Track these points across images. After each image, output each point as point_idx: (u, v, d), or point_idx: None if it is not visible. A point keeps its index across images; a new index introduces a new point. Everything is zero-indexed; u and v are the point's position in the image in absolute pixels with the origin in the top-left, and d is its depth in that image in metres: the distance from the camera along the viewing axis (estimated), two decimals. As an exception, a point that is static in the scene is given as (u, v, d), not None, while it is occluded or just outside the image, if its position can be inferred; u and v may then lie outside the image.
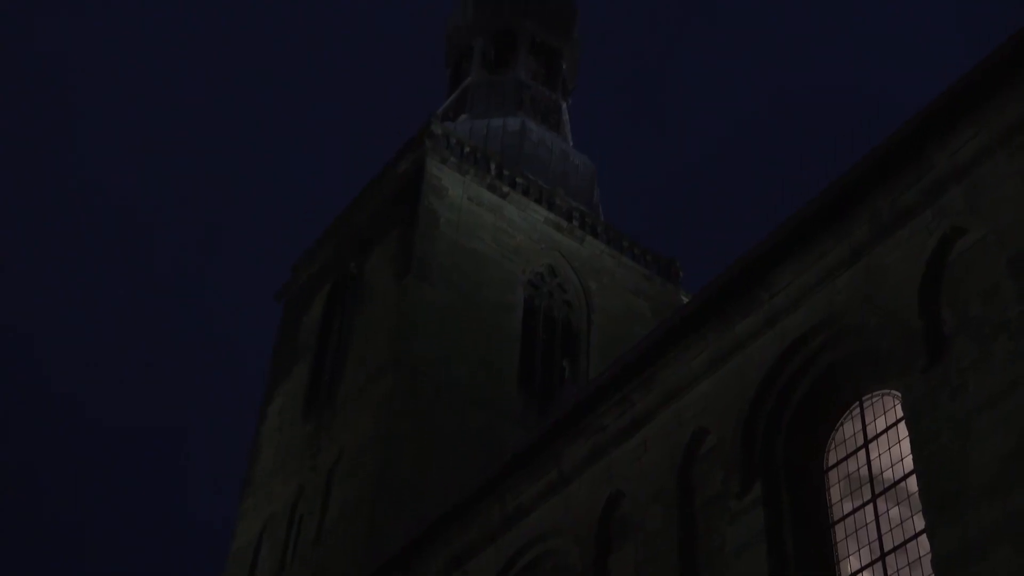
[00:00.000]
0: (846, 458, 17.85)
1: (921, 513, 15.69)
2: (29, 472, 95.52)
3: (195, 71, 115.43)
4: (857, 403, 17.97)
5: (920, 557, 15.77)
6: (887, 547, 16.45)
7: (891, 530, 16.55)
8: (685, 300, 37.76)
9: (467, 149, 38.07)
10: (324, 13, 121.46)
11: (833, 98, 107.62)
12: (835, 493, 17.83)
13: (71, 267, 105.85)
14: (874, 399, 17.73)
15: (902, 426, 16.80)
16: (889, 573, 16.25)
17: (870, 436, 17.52)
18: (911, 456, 16.28)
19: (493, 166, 38.25)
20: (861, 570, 16.76)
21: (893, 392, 17.21)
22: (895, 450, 16.98)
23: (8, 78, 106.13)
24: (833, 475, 17.99)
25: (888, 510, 16.79)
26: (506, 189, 37.78)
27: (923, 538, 15.68)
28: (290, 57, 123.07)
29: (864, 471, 17.42)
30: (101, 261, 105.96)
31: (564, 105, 46.96)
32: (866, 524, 17.01)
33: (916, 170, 17.24)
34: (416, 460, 30.95)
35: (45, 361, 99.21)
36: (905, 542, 16.19)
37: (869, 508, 17.05)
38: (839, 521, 17.50)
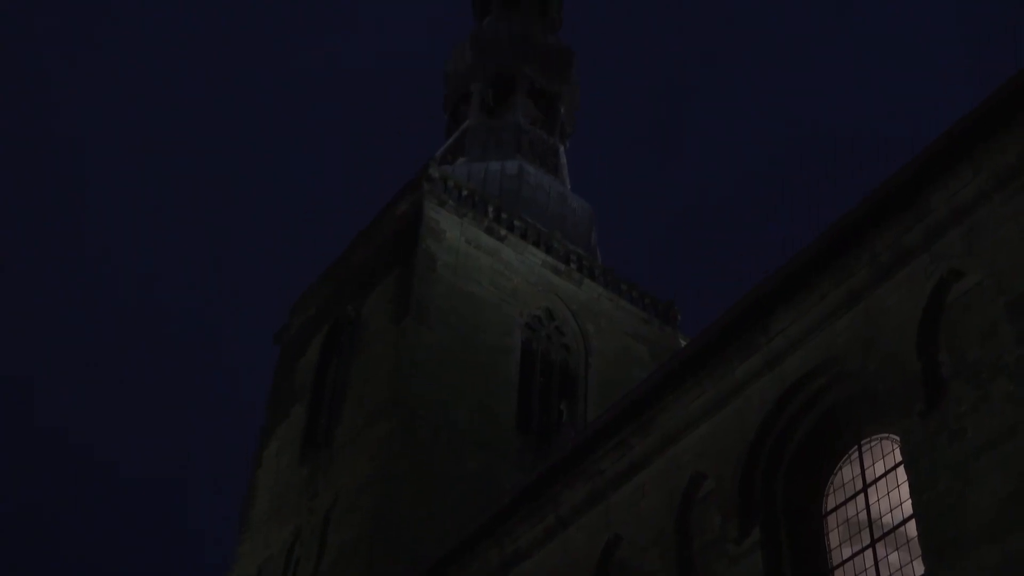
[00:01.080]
0: (845, 502, 17.79)
1: (921, 558, 15.61)
2: (25, 514, 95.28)
3: (197, 141, 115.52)
4: (856, 447, 17.93)
5: (920, 602, 15.70)
6: (887, 592, 16.38)
7: (891, 575, 16.47)
8: (683, 343, 37.72)
9: (465, 192, 38.13)
10: (324, 55, 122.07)
11: (832, 140, 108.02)
12: (834, 538, 17.76)
13: (65, 307, 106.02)
14: (873, 443, 17.69)
15: (901, 470, 16.75)
16: (889, 618, 16.17)
17: (869, 480, 17.47)
18: (910, 500, 16.23)
19: (491, 209, 38.30)
20: (861, 615, 16.68)
21: (892, 436, 17.16)
22: (894, 494, 16.92)
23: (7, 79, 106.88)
24: (832, 519, 17.92)
25: (888, 555, 16.70)
26: (504, 232, 37.82)
27: (923, 583, 15.61)
28: (289, 103, 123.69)
29: (863, 515, 17.36)
30: (98, 304, 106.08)
31: (562, 148, 47.10)
32: (865, 569, 16.93)
33: (914, 213, 17.28)
34: (413, 502, 30.80)
35: (40, 401, 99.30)
36: (905, 587, 16.12)
37: (868, 553, 16.97)
38: (839, 566, 17.41)
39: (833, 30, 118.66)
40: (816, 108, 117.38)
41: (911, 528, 16.21)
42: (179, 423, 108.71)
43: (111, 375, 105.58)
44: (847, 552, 17.41)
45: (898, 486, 16.87)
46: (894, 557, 16.56)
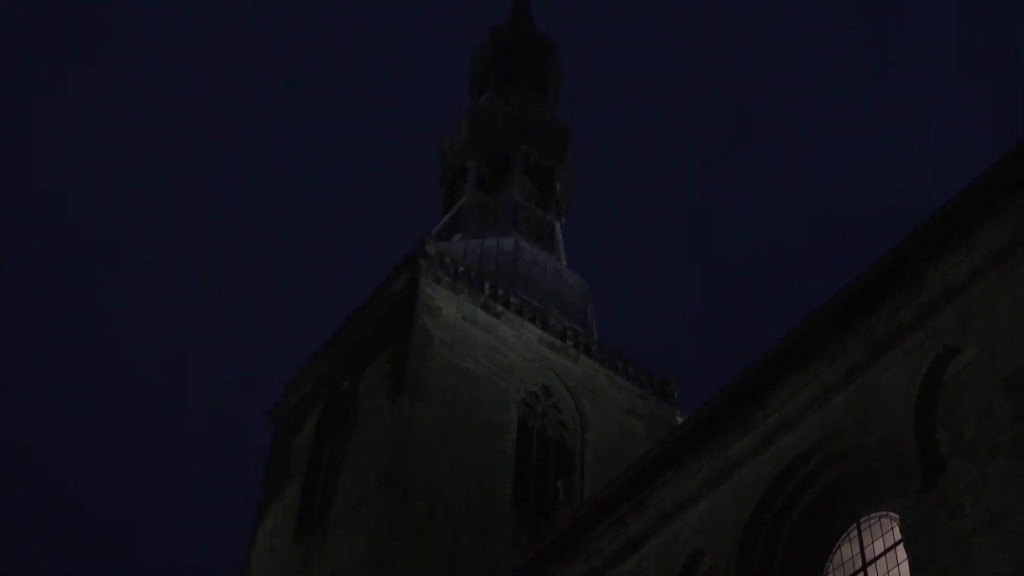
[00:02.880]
0: (846, 581, 17.67)
1: (922, 638, 15.48)
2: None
3: (196, 220, 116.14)
4: (855, 525, 17.83)
5: None
6: (888, 673, 16.21)
7: (892, 654, 16.33)
8: (680, 420, 37.60)
9: (461, 269, 38.21)
10: (320, 135, 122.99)
11: (831, 218, 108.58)
12: (835, 616, 17.62)
13: (60, 375, 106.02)
14: (872, 521, 17.60)
15: (900, 548, 16.64)
16: None
17: (869, 558, 17.35)
18: (911, 579, 16.11)
19: (487, 285, 38.36)
20: None
21: (891, 514, 17.08)
22: (894, 573, 16.80)
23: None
24: (832, 599, 17.79)
25: (889, 633, 16.57)
26: (500, 308, 37.84)
27: (924, 663, 15.45)
28: (287, 182, 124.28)
29: (864, 594, 17.23)
30: (91, 374, 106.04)
31: (558, 225, 47.28)
32: (867, 648, 16.78)
33: (908, 290, 17.34)
34: (409, 582, 30.54)
35: (49, 469, 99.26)
36: (906, 667, 15.96)
37: (869, 631, 16.83)
38: (839, 645, 17.26)
39: (840, 93, 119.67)
40: (820, 184, 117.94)
41: (912, 607, 16.08)
42: (173, 500, 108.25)
43: (103, 446, 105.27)
44: (848, 631, 17.26)
45: (898, 564, 16.76)
46: (895, 636, 16.42)
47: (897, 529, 16.80)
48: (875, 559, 17.22)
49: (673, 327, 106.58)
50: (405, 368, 34.50)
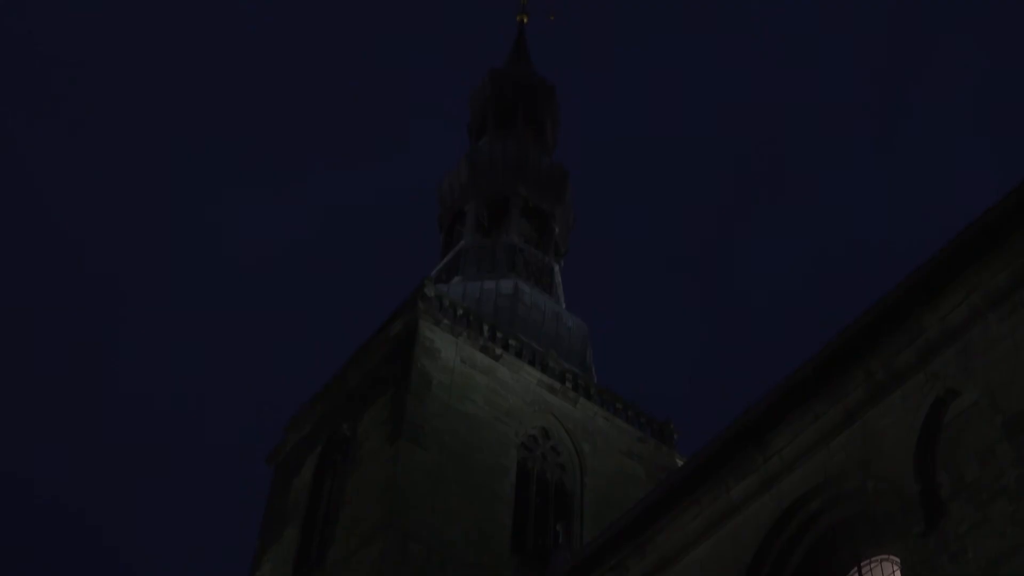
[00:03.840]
0: (847, 624, 17.55)
1: None
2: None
3: (196, 271, 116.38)
4: (856, 568, 17.73)
5: None
6: None
7: None
8: (680, 462, 37.49)
9: (460, 311, 38.20)
10: (319, 179, 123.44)
11: (835, 260, 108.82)
12: (837, 661, 17.49)
13: (55, 419, 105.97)
14: (873, 564, 17.50)
15: (902, 591, 16.56)
16: None
17: (870, 602, 17.25)
18: (912, 622, 16.01)
19: (486, 328, 38.33)
20: None
21: (892, 557, 16.99)
22: (896, 617, 16.71)
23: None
24: (834, 642, 17.67)
25: None
26: (499, 351, 37.80)
27: None
28: (286, 230, 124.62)
29: (866, 638, 17.11)
30: (98, 426, 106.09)
31: (556, 267, 47.33)
32: None
33: (907, 333, 17.32)
34: (407, 627, 30.34)
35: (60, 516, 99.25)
36: None
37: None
38: None
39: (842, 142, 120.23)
40: (823, 225, 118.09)
41: (914, 652, 15.96)
42: (172, 540, 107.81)
43: (109, 485, 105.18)
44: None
45: (900, 608, 16.67)
46: None
47: (899, 572, 16.71)
48: (877, 603, 17.13)
49: (673, 369, 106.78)
50: (404, 411, 34.42)
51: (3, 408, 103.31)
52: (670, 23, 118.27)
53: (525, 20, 59.04)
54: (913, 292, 17.30)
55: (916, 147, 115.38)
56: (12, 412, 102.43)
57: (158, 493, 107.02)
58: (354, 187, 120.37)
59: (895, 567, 16.91)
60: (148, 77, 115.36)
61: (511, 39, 58.21)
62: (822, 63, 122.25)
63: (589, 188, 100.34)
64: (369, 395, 37.10)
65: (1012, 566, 14.65)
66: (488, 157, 49.48)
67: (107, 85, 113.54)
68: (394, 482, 33.10)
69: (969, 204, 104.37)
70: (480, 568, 32.64)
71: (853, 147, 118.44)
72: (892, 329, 17.48)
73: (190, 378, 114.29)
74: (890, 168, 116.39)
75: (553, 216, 48.76)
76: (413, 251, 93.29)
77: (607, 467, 38.39)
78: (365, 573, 31.81)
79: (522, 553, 34.48)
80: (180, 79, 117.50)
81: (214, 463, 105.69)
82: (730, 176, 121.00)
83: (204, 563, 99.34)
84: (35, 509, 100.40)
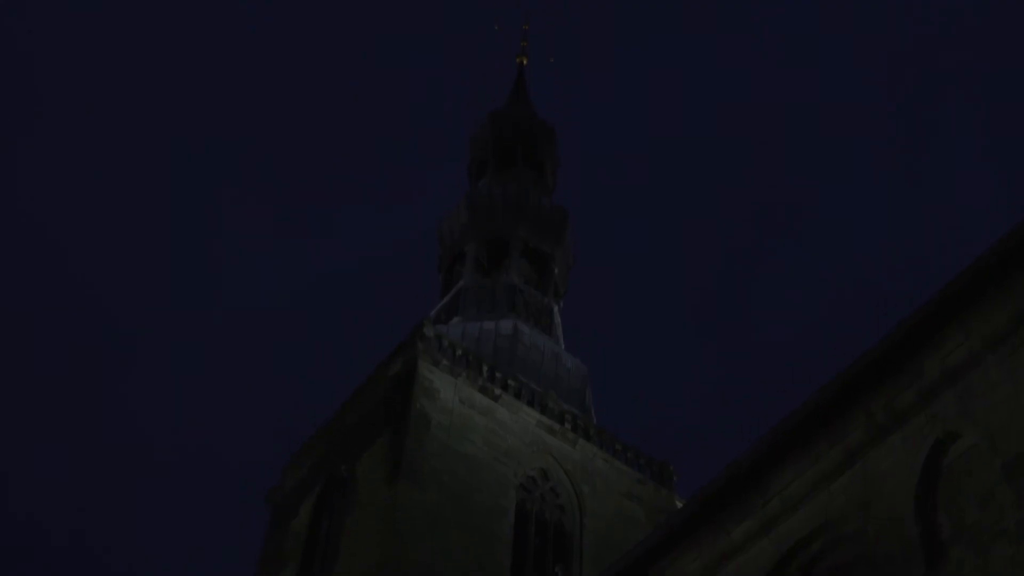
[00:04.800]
0: (847, 669, 17.43)
1: None
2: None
3: (198, 307, 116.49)
4: (856, 611, 17.64)
5: None
6: None
7: None
8: (679, 504, 37.36)
9: (459, 352, 38.19)
10: (315, 218, 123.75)
11: (835, 303, 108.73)
12: None
13: (55, 419, 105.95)
14: (873, 607, 17.40)
15: (903, 636, 16.45)
16: None
17: (871, 646, 17.13)
18: (913, 667, 15.91)
19: (485, 369, 38.31)
20: None
21: (893, 600, 16.90)
22: (896, 660, 16.59)
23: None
24: None
25: None
26: (498, 392, 37.77)
27: None
28: (285, 274, 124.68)
29: None
30: (85, 419, 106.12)
31: (556, 308, 47.35)
32: None
33: (908, 375, 17.32)
34: (405, 670, 30.16)
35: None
36: None
37: None
38: None
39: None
40: (823, 268, 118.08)
41: None
42: (173, 544, 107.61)
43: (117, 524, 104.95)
44: None
45: (901, 652, 16.55)
46: None
47: (900, 616, 16.62)
48: (877, 647, 17.00)
49: (672, 410, 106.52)
50: (402, 452, 34.35)
51: (3, 408, 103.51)
52: (670, 23, 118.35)
53: (524, 62, 59.42)
54: (914, 333, 17.30)
55: (917, 152, 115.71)
56: (12, 412, 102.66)
57: (158, 493, 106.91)
58: (357, 228, 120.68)
59: (896, 610, 16.82)
60: (148, 77, 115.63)
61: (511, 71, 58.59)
62: (822, 63, 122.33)
63: (589, 225, 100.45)
64: (367, 435, 37.03)
65: (1013, 609, 14.60)
66: (488, 198, 49.65)
67: (107, 85, 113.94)
68: (393, 523, 32.99)
69: (969, 204, 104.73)
70: (479, 610, 32.49)
71: (853, 148, 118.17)
72: (893, 370, 17.48)
73: (190, 378, 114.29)
74: (890, 182, 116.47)
75: (553, 257, 48.85)
76: (413, 291, 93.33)
77: (606, 509, 38.27)
78: (363, 615, 31.65)
79: (521, 595, 34.35)
80: (180, 79, 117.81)
81: (214, 463, 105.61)
82: (725, 211, 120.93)
83: (204, 563, 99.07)
84: (35, 509, 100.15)
